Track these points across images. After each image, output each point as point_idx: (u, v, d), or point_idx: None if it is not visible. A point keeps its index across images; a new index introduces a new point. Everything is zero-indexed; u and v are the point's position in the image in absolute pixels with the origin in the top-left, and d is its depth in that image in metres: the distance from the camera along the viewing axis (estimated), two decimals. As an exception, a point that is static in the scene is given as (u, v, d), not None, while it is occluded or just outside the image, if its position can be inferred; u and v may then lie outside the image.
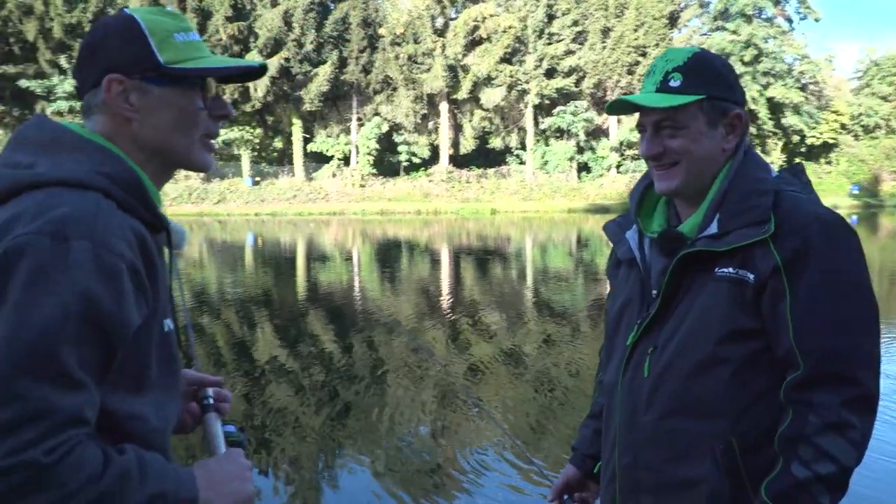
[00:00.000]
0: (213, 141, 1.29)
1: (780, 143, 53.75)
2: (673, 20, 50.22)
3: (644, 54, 47.63)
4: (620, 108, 1.64)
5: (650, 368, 1.58)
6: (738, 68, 50.50)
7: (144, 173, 1.20)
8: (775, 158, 53.30)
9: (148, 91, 1.20)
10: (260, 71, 1.31)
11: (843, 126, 55.35)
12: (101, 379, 1.03)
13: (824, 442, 1.40)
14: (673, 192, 1.61)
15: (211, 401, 1.39)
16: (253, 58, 42.19)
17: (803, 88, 53.19)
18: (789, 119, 51.90)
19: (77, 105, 29.54)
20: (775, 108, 51.80)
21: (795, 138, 53.48)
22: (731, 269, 1.49)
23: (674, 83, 1.54)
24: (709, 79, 1.54)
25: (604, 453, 1.77)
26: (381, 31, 46.14)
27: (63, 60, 40.87)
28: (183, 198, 41.47)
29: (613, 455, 1.69)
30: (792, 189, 1.54)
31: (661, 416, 1.56)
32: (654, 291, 1.62)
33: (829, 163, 54.89)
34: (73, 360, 0.97)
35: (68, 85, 39.68)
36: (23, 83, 39.81)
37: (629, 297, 1.70)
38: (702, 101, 1.53)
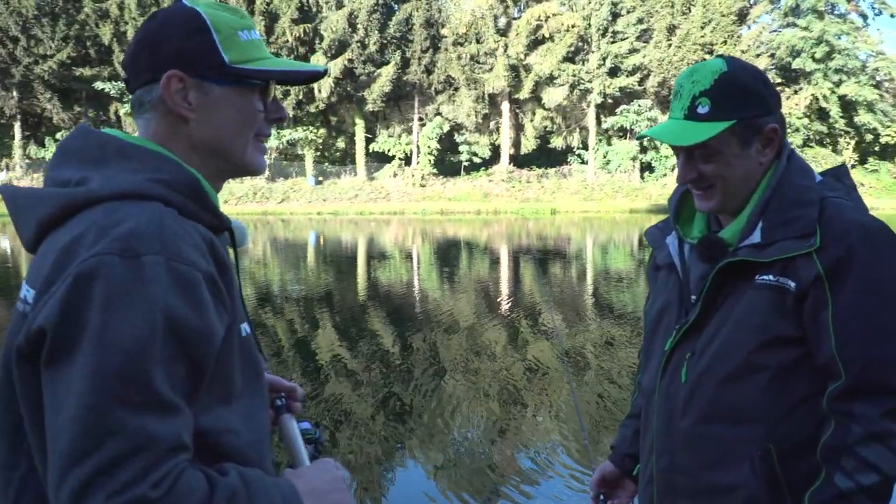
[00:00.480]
0: (265, 143, 1.25)
1: (853, 143, 51.88)
2: (742, 16, 49.01)
3: (711, 52, 46.60)
4: (650, 137, 1.65)
5: (687, 374, 1.59)
6: (809, 65, 49.03)
7: (200, 174, 1.12)
8: (847, 158, 51.49)
9: (209, 90, 1.13)
10: (322, 75, 1.27)
11: (920, 125, 53.18)
12: (193, 398, 0.97)
13: (867, 452, 1.40)
14: (714, 211, 1.63)
15: (283, 401, 1.34)
16: (317, 59, 43.02)
17: (878, 86, 51.22)
18: (862, 117, 50.04)
19: None
20: (847, 106, 50.05)
21: (869, 137, 51.54)
22: (771, 277, 1.48)
23: (702, 110, 1.52)
24: (738, 101, 1.52)
25: (642, 456, 1.79)
26: (444, 31, 46.37)
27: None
28: (248, 197, 42.50)
29: (651, 458, 1.71)
30: (835, 195, 1.53)
31: (697, 422, 1.57)
32: (693, 297, 1.63)
33: (904, 162, 52.78)
34: (165, 382, 0.92)
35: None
36: (98, 85, 41.40)
37: (668, 302, 1.71)
38: (733, 126, 1.51)
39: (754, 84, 1.54)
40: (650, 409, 1.72)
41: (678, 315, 1.66)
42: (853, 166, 51.83)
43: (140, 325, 0.91)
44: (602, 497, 1.96)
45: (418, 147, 46.78)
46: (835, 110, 49.50)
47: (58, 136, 42.13)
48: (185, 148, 1.14)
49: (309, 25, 44.18)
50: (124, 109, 41.71)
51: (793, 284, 1.46)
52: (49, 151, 42.01)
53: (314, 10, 45.18)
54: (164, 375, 0.92)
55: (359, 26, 44.21)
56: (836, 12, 51.03)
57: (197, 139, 1.15)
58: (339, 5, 44.74)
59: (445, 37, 46.26)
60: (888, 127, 51.14)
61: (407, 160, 47.79)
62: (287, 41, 43.69)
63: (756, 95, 1.54)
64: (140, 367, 0.90)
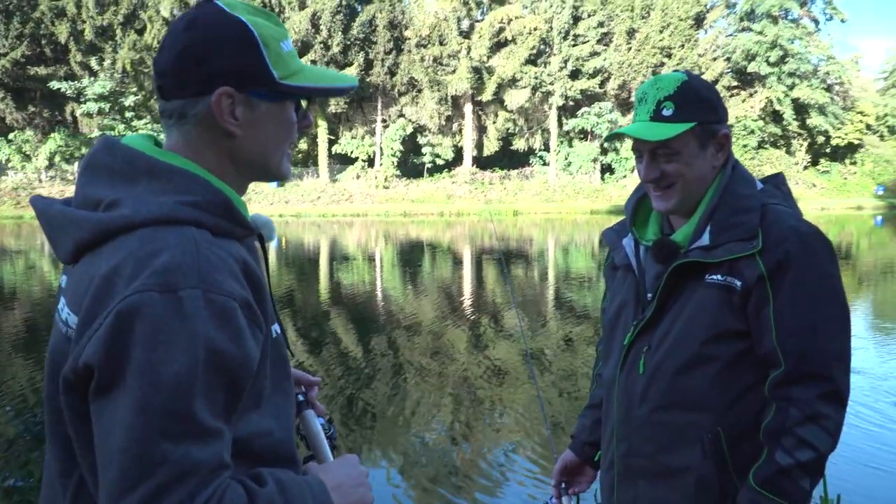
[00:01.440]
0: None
1: (805, 144, 53.18)
2: (699, 21, 49.94)
3: (669, 55, 47.42)
4: (618, 138, 1.81)
5: (645, 366, 1.75)
6: (764, 69, 50.12)
7: (228, 184, 1.14)
8: (800, 159, 52.79)
9: (256, 106, 1.13)
10: (355, 87, 1.26)
11: (868, 127, 54.69)
12: (231, 417, 1.02)
13: (803, 432, 1.57)
14: (670, 211, 1.78)
15: (303, 396, 1.36)
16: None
17: (829, 89, 52.62)
18: (814, 120, 51.36)
19: (106, 106, 29.08)
20: (801, 108, 51.30)
21: (820, 139, 52.91)
22: (719, 277, 1.65)
23: (666, 112, 1.69)
24: (698, 106, 1.70)
25: (603, 443, 1.95)
26: (407, 33, 46.40)
27: (93, 62, 41.58)
28: (209, 198, 41.94)
29: (611, 444, 1.87)
30: (775, 202, 1.71)
31: (654, 410, 1.73)
32: (649, 295, 1.79)
33: (854, 163, 54.22)
34: (206, 410, 0.96)
35: (98, 87, 40.35)
36: (53, 84, 40.56)
37: (625, 300, 1.86)
38: (694, 127, 1.68)
39: (710, 94, 1.74)
40: (610, 399, 1.87)
41: (635, 312, 1.82)
42: (805, 167, 53.16)
43: (182, 360, 0.95)
44: (564, 485, 2.10)
45: (381, 149, 46.76)
46: (788, 113, 50.68)
47: (10, 136, 41.19)
48: (223, 160, 1.15)
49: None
50: (81, 110, 40.92)
51: (738, 283, 1.63)
52: (1, 152, 41.01)
53: (276, 10, 44.83)
54: (205, 404, 0.96)
55: (322, 27, 44.03)
56: (789, 17, 52.26)
57: (239, 153, 1.15)
58: (303, 6, 44.50)
59: (409, 39, 46.30)
60: (839, 129, 52.58)
61: (370, 162, 47.71)
62: (248, 41, 43.30)
63: (712, 104, 1.73)
64: (182, 401, 0.94)
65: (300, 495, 1.05)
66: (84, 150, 42.83)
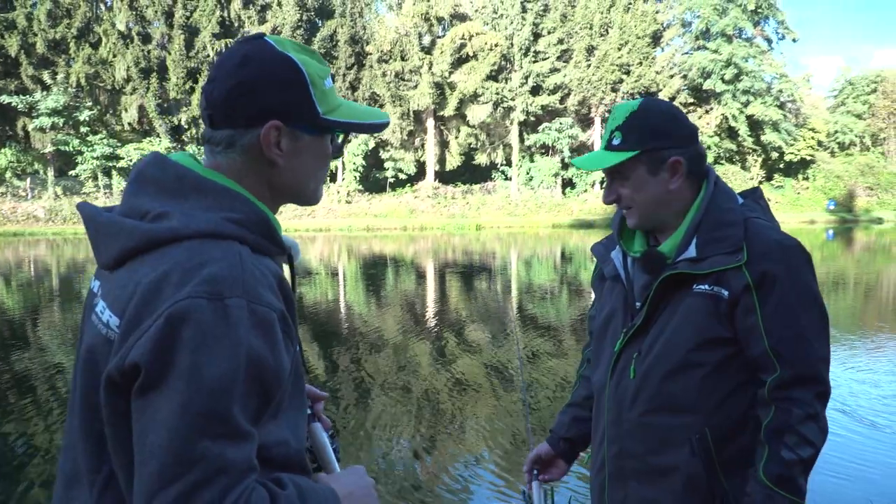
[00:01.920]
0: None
1: (760, 160, 54.45)
2: (656, 39, 50.92)
3: (628, 72, 48.22)
4: (576, 165, 1.92)
5: (635, 371, 1.83)
6: (719, 86, 51.27)
7: (267, 207, 1.21)
8: (755, 174, 53.99)
9: (299, 138, 1.21)
10: (387, 124, 1.34)
11: (819, 143, 56.32)
12: (258, 423, 1.07)
13: (805, 430, 1.67)
14: (637, 227, 1.88)
15: (311, 410, 1.40)
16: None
17: (782, 106, 54.02)
18: (768, 136, 52.66)
19: (59, 121, 28.98)
20: (755, 125, 52.55)
21: (774, 155, 54.24)
22: (706, 287, 1.73)
23: (616, 142, 1.80)
24: (642, 134, 1.78)
25: (593, 445, 2.01)
26: (369, 48, 46.45)
27: (46, 76, 40.75)
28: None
29: (602, 446, 1.93)
30: (756, 216, 1.80)
31: (644, 413, 1.82)
32: (638, 304, 1.86)
33: (806, 178, 55.68)
34: (241, 414, 1.01)
35: (51, 101, 39.55)
36: (4, 99, 39.64)
37: (614, 309, 1.94)
38: (639, 155, 1.77)
39: (661, 122, 1.80)
40: (601, 402, 1.95)
41: (624, 320, 1.90)
42: (760, 182, 54.35)
43: (225, 365, 1.00)
44: (535, 472, 2.17)
45: (343, 164, 46.58)
46: (743, 129, 51.87)
47: (-39, 151, 40.11)
48: (262, 184, 1.21)
49: (231, 40, 43.51)
50: (33, 124, 40.01)
51: (726, 293, 1.71)
52: (-48, 167, 39.89)
53: (236, 24, 44.56)
54: (241, 409, 1.02)
55: (281, 42, 43.85)
56: (743, 36, 53.58)
57: (278, 180, 1.22)
58: (262, 20, 44.28)
59: (370, 54, 46.35)
60: (791, 145, 53.98)
61: (332, 177, 47.48)
62: (208, 56, 42.93)
63: (661, 132, 1.79)
64: (222, 403, 0.99)
65: (316, 499, 1.11)
66: (37, 166, 41.87)
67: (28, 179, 41.48)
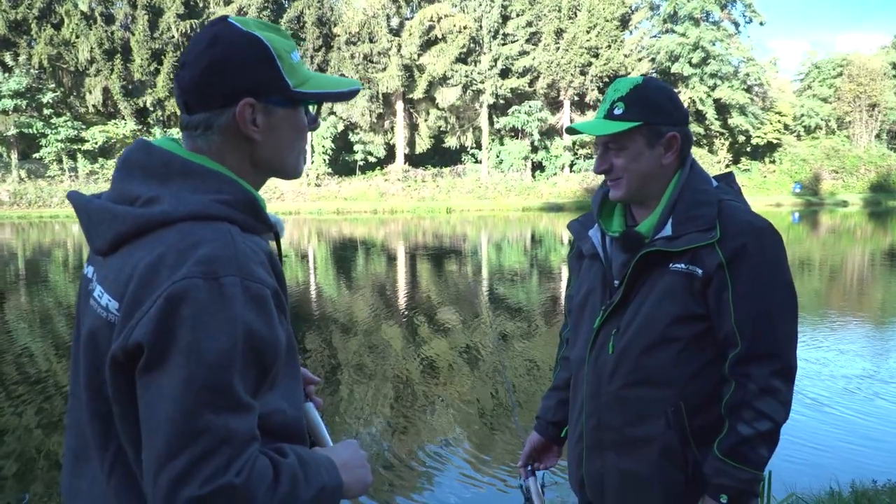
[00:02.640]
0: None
1: (727, 143, 55.07)
2: (624, 22, 51.09)
3: (597, 55, 48.37)
4: (574, 132, 1.95)
5: (614, 346, 1.90)
6: (687, 70, 51.67)
7: (252, 186, 1.25)
8: (722, 157, 54.62)
9: (273, 112, 1.25)
10: (358, 91, 1.38)
11: (786, 126, 57.03)
12: (257, 395, 1.12)
13: (761, 404, 1.74)
14: (621, 200, 1.95)
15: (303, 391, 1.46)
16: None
17: (749, 90, 54.60)
18: (735, 119, 53.24)
19: (22, 103, 28.46)
20: (722, 108, 53.10)
21: (741, 138, 54.88)
22: (682, 265, 1.80)
23: (617, 111, 1.85)
24: (647, 107, 1.84)
25: (571, 418, 2.08)
26: (336, 30, 46.01)
27: (8, 57, 39.77)
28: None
29: (580, 419, 2.01)
30: (729, 198, 1.88)
31: (622, 386, 1.89)
32: (616, 282, 1.94)
33: (773, 162, 56.41)
34: (241, 387, 1.07)
35: (14, 83, 38.65)
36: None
37: (592, 286, 2.02)
38: (640, 126, 1.83)
39: (662, 99, 1.89)
40: (579, 377, 2.02)
41: (603, 297, 1.97)
42: (727, 166, 55.01)
43: (224, 340, 1.05)
44: (530, 467, 2.23)
45: (312, 146, 46.24)
46: (710, 113, 52.37)
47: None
48: (244, 162, 1.26)
49: (196, 21, 42.83)
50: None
51: (700, 271, 1.79)
52: None
53: (201, 5, 43.84)
54: (241, 381, 1.07)
55: (249, 23, 43.24)
56: (710, 20, 53.99)
57: (258, 156, 1.27)
58: (228, 1, 43.60)
59: (338, 36, 45.92)
60: (758, 129, 54.61)
61: (301, 160, 47.10)
62: (173, 37, 42.22)
63: (662, 107, 1.87)
64: (223, 377, 1.05)
65: (316, 467, 1.18)
66: (1, 148, 40.98)
67: (-10, 163, 40.61)
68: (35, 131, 40.00)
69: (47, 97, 40.24)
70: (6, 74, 39.25)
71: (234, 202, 1.18)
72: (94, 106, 42.39)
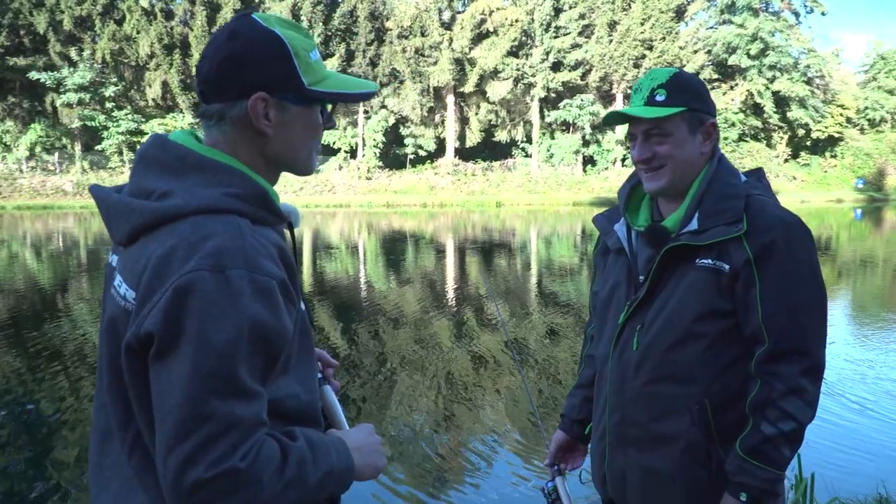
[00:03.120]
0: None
1: (786, 137, 53.66)
2: (680, 13, 50.17)
3: (651, 48, 47.63)
4: (615, 119, 1.94)
5: (638, 342, 1.87)
6: (744, 62, 50.48)
7: (264, 179, 1.29)
8: (781, 152, 53.26)
9: (286, 109, 1.28)
10: (374, 93, 1.41)
11: (848, 120, 55.15)
12: (266, 380, 1.17)
13: (786, 404, 1.71)
14: (660, 192, 1.90)
15: (321, 374, 1.49)
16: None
17: (809, 82, 53.07)
18: (795, 113, 51.80)
19: (86, 97, 29.29)
20: (781, 101, 51.72)
21: (801, 132, 53.38)
22: (709, 260, 1.77)
23: (659, 98, 1.83)
24: (688, 94, 1.84)
25: (595, 414, 2.07)
26: (389, 24, 46.26)
27: (73, 52, 41.11)
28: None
29: (604, 415, 1.99)
30: (758, 193, 1.84)
31: (647, 382, 1.86)
32: (641, 277, 1.91)
33: (834, 156, 54.73)
34: (248, 374, 1.11)
35: (78, 77, 39.95)
36: (33, 75, 40.09)
37: (618, 281, 1.99)
38: (683, 112, 1.83)
39: (700, 87, 1.89)
40: (604, 373, 2.00)
41: (628, 292, 1.94)
42: (786, 160, 53.64)
43: (230, 330, 1.10)
44: (556, 468, 2.21)
45: (364, 140, 46.66)
46: (769, 106, 51.07)
47: (-10, 127, 40.72)
48: (256, 156, 1.29)
49: (252, 16, 43.55)
50: (61, 100, 40.48)
51: (727, 267, 1.75)
52: (-19, 143, 40.54)
53: (256, 0, 44.59)
54: (247, 369, 1.12)
55: (303, 18, 43.78)
56: (770, 10, 52.64)
57: (270, 151, 1.30)
58: (283, -4, 44.25)
59: (390, 30, 46.16)
60: (819, 122, 52.99)
61: (352, 153, 47.61)
62: (230, 32, 42.95)
63: (701, 95, 1.88)
64: (229, 365, 1.09)
65: (326, 450, 1.23)
66: (65, 141, 42.43)
67: (56, 154, 42.04)
68: (97, 124, 41.28)
69: (109, 91, 41.47)
70: (71, 69, 40.57)
71: (244, 195, 1.22)
72: (153, 99, 43.53)
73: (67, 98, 40.27)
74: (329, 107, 1.38)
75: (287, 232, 1.38)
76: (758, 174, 1.96)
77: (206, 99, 1.28)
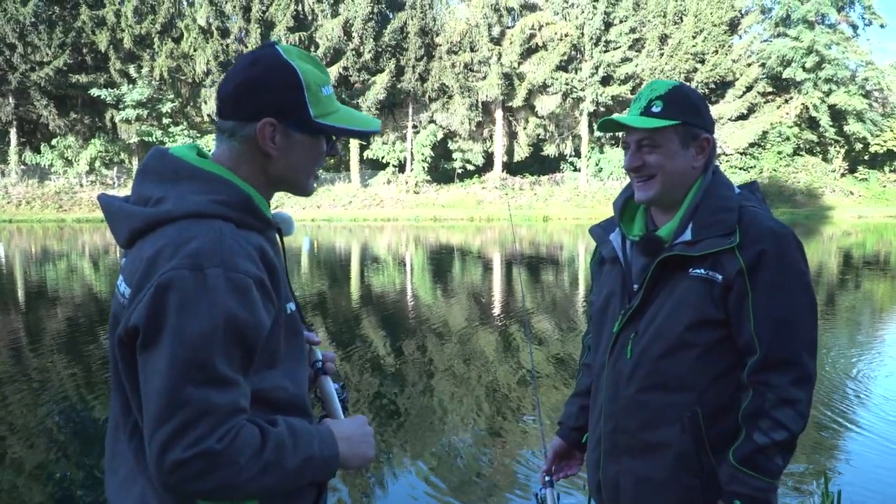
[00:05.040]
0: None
1: (843, 151, 52.30)
2: (733, 26, 49.51)
3: (703, 61, 47.05)
4: (610, 126, 1.99)
5: (632, 351, 1.90)
6: (800, 75, 49.46)
7: (257, 190, 1.39)
8: (837, 166, 51.93)
9: (291, 136, 1.39)
10: (377, 132, 1.52)
11: (909, 134, 53.56)
12: (248, 371, 1.27)
13: (779, 414, 1.73)
14: (649, 201, 1.93)
15: (321, 363, 1.59)
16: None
17: (867, 95, 51.68)
18: (852, 126, 50.46)
19: (144, 113, 30.57)
20: (837, 115, 50.47)
21: (858, 146, 51.96)
22: (702, 270, 1.80)
23: (655, 109, 1.86)
24: (684, 108, 1.87)
25: (591, 423, 2.10)
26: (438, 39, 46.67)
27: (132, 70, 42.47)
28: (243, 202, 42.46)
29: (599, 423, 2.02)
30: (751, 204, 1.87)
31: (639, 390, 1.89)
32: (636, 286, 1.94)
33: (893, 171, 53.10)
34: (224, 364, 1.21)
35: (137, 94, 41.25)
36: (94, 92, 41.50)
37: (612, 290, 2.02)
38: (677, 125, 1.86)
39: (698, 101, 1.92)
40: (599, 381, 2.03)
41: (622, 301, 1.98)
42: (843, 175, 52.24)
43: (205, 323, 1.20)
44: (548, 478, 2.23)
45: (412, 154, 47.04)
46: (825, 119, 49.91)
47: (53, 142, 42.24)
48: (259, 173, 1.40)
49: (304, 33, 44.45)
50: (120, 116, 41.83)
51: (720, 277, 1.78)
52: (44, 157, 42.07)
53: (310, 18, 45.46)
54: (223, 359, 1.22)
55: (354, 34, 44.50)
56: (826, 23, 51.55)
57: (272, 171, 1.41)
58: (335, 14, 45.02)
59: (440, 45, 46.55)
60: (877, 136, 51.54)
61: (401, 167, 48.03)
62: (282, 49, 43.82)
63: (698, 109, 1.90)
64: (204, 355, 1.20)
65: (308, 437, 1.31)
66: (123, 156, 43.80)
67: (115, 169, 43.43)
68: (154, 139, 42.51)
69: (166, 107, 42.73)
70: (130, 86, 41.91)
71: (230, 202, 1.32)
72: (208, 115, 44.66)
73: (126, 114, 41.57)
74: (334, 138, 1.48)
75: (278, 238, 1.47)
76: (751, 187, 1.99)
77: (221, 115, 1.40)
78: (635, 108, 1.91)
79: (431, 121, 47.20)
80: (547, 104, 46.79)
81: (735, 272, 1.77)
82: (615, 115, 1.92)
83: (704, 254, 1.80)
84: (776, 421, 1.73)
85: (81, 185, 41.82)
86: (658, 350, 1.85)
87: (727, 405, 1.82)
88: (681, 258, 1.83)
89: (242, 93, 1.37)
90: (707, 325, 1.80)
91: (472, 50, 46.62)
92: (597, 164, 48.74)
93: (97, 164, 42.62)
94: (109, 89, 41.76)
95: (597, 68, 47.36)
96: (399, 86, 45.97)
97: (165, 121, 43.25)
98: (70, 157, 42.33)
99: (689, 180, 1.90)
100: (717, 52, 47.12)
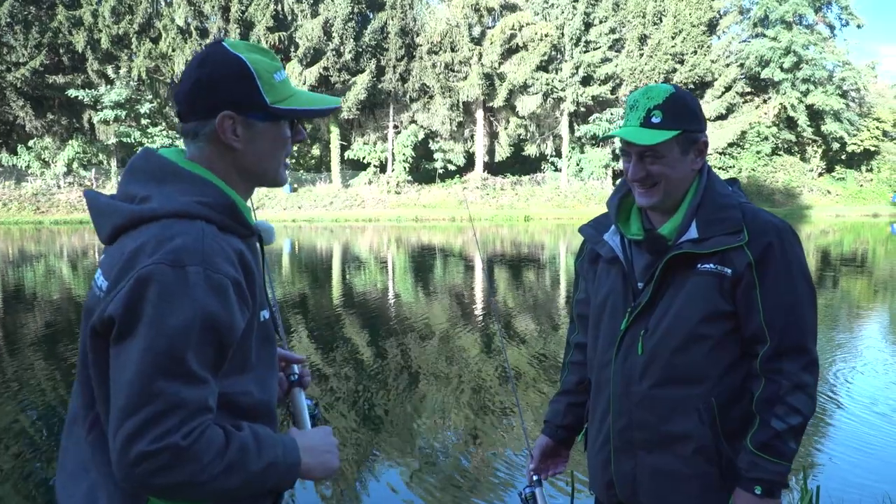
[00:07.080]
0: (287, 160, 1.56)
1: (820, 151, 52.90)
2: (712, 27, 49.89)
3: (682, 62, 47.37)
4: (611, 137, 2.00)
5: (643, 347, 1.93)
6: (778, 75, 49.96)
7: (236, 192, 1.42)
8: (815, 165, 52.51)
9: (252, 125, 1.41)
10: (337, 108, 1.55)
11: (885, 133, 54.24)
12: (218, 372, 1.28)
13: (793, 400, 1.82)
14: (653, 207, 1.98)
15: (296, 377, 1.62)
16: (293, 67, 43.06)
17: (844, 95, 52.33)
18: (829, 126, 51.08)
19: (122, 114, 30.37)
20: (815, 115, 51.07)
21: (836, 145, 52.61)
22: (711, 265, 1.86)
23: (655, 119, 1.88)
24: (683, 115, 1.90)
25: (593, 421, 2.10)
26: (419, 39, 46.60)
27: (110, 70, 42.02)
28: (224, 204, 42.14)
29: (606, 421, 2.03)
30: (746, 202, 1.95)
31: (654, 385, 1.93)
32: (640, 284, 1.97)
33: (870, 170, 53.84)
34: (197, 361, 1.22)
35: (115, 94, 40.80)
36: (71, 93, 40.99)
37: (612, 289, 2.04)
38: (678, 135, 1.89)
39: (694, 106, 1.95)
40: (604, 379, 2.04)
41: (625, 299, 2.00)
42: (820, 174, 52.85)
43: (182, 317, 1.21)
44: (536, 477, 2.23)
45: (393, 155, 46.95)
46: (803, 119, 50.46)
47: (30, 143, 41.69)
48: (229, 169, 1.43)
49: (284, 34, 44.20)
50: (98, 117, 41.32)
51: (729, 271, 1.86)
52: (21, 159, 41.49)
53: (289, 18, 45.21)
54: (196, 356, 1.22)
55: (334, 35, 44.32)
56: (804, 23, 52.11)
57: (240, 164, 1.43)
58: (315, 14, 44.81)
59: (420, 45, 46.48)
60: (854, 136, 52.21)
61: (382, 168, 47.92)
62: (262, 49, 43.56)
63: (695, 114, 1.95)
64: (179, 349, 1.20)
65: (272, 444, 1.32)
66: (101, 157, 43.32)
67: (93, 170, 42.95)
68: (133, 140, 42.08)
69: (145, 108, 42.29)
70: (108, 86, 41.48)
71: (213, 204, 1.34)
72: (187, 116, 44.25)
73: (104, 115, 41.10)
74: (298, 121, 1.50)
75: (259, 246, 1.49)
76: (736, 185, 2.07)
77: (182, 118, 1.43)
78: (634, 118, 1.92)
79: (412, 121, 47.15)
80: (528, 104, 46.89)
81: (744, 266, 1.84)
82: (614, 131, 1.94)
83: (714, 251, 1.87)
84: (791, 406, 1.81)
85: (59, 187, 41.29)
86: (673, 344, 1.89)
87: (738, 394, 1.89)
88: (688, 255, 1.89)
89: (196, 92, 1.39)
90: (718, 318, 1.87)
91: (452, 50, 46.61)
92: (577, 164, 48.92)
93: (75, 165, 42.12)
94: (87, 90, 41.25)
95: (577, 68, 47.53)
96: (380, 86, 45.87)
97: (144, 122, 42.78)
98: (47, 159, 41.81)
99: (687, 182, 1.96)
100: (696, 52, 47.48)
